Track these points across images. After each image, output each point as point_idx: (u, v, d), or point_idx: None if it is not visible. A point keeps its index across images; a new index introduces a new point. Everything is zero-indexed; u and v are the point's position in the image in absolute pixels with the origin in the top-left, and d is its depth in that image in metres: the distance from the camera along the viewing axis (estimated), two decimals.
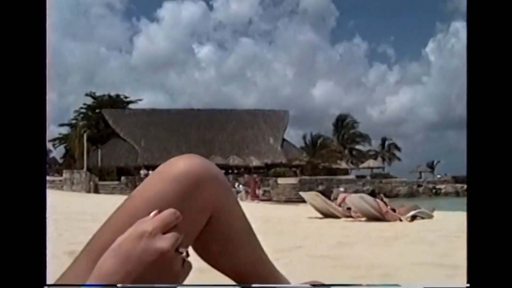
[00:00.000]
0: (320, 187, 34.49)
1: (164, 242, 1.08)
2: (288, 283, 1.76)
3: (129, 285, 1.27)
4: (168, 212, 1.15)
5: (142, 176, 48.23)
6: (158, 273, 1.06)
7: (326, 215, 15.59)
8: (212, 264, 1.71)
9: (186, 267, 1.13)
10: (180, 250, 1.11)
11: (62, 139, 73.15)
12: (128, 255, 1.07)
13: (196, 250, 1.68)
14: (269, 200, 38.61)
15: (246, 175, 47.78)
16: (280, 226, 11.56)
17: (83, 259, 1.50)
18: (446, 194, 49.81)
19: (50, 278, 1.66)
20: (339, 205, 16.08)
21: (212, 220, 1.57)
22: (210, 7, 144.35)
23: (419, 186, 52.15)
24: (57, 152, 77.65)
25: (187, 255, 1.13)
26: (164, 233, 1.12)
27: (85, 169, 47.10)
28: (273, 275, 1.73)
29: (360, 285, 1.27)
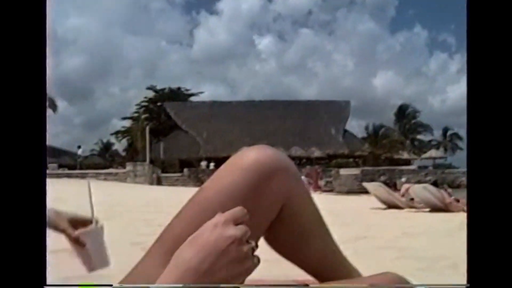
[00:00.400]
0: (382, 178, 34.10)
1: (235, 230, 1.12)
2: (359, 273, 1.77)
3: (130, 285, 1.31)
4: (238, 208, 1.18)
5: (203, 168, 48.36)
6: (230, 261, 1.09)
7: (389, 205, 15.48)
8: (284, 255, 1.72)
9: (255, 258, 1.16)
10: (250, 241, 1.14)
11: (125, 132, 73.82)
12: (204, 243, 1.11)
13: (268, 241, 1.70)
14: (331, 191, 38.42)
15: (308, 166, 47.54)
16: (343, 217, 11.52)
17: (156, 251, 1.54)
18: None
19: (118, 270, 1.70)
20: (402, 196, 15.94)
21: (283, 211, 1.59)
22: None
23: None
24: (120, 145, 78.58)
25: (256, 246, 1.16)
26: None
27: (147, 161, 47.37)
28: (344, 266, 1.74)
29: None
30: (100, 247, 1.85)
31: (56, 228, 1.79)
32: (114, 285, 1.31)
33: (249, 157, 1.54)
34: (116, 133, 77.18)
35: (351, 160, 55.76)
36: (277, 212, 1.58)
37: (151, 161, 48.43)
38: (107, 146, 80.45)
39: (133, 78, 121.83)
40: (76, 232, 1.80)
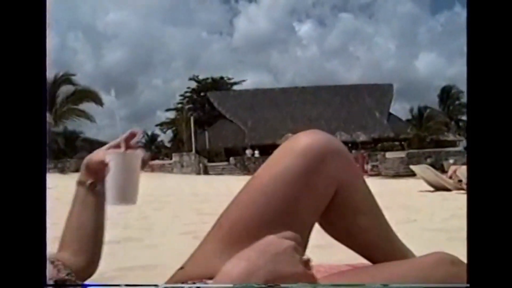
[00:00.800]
0: (428, 160, 33.67)
1: (287, 240, 1.17)
2: (413, 255, 1.77)
3: (131, 284, 1.34)
4: (288, 231, 1.25)
5: (248, 156, 48.37)
6: (283, 264, 1.14)
7: (437, 188, 15.35)
8: (338, 239, 1.74)
9: (307, 272, 1.20)
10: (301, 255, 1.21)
11: (169, 123, 74.26)
12: (262, 248, 1.20)
13: (322, 225, 1.72)
14: (378, 175, 38.12)
15: (353, 151, 47.27)
16: (392, 200, 11.47)
17: (213, 237, 1.57)
18: None
19: (170, 259, 1.72)
20: (450, 178, 15.79)
21: (337, 194, 1.60)
22: None
23: None
24: (165, 136, 79.22)
25: (309, 261, 1.21)
26: None
27: (193, 151, 47.51)
28: (398, 248, 1.74)
29: None
30: (126, 176, 1.63)
31: (89, 166, 1.69)
32: (121, 284, 1.34)
33: (302, 142, 1.57)
34: (161, 124, 77.75)
35: (396, 143, 55.32)
36: (331, 195, 1.60)
37: (197, 151, 48.59)
38: (152, 138, 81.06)
39: (175, 69, 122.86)
40: (102, 154, 1.67)
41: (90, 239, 1.70)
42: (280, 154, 1.60)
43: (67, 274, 1.43)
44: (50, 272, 1.38)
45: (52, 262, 1.43)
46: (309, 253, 1.72)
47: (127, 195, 1.63)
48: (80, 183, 1.72)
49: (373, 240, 1.71)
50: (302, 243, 1.29)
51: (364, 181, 1.71)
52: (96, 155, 1.69)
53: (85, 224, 1.70)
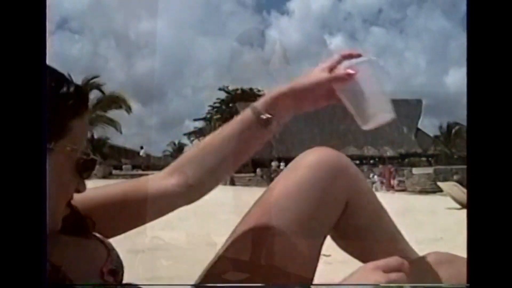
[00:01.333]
0: (455, 177, 33.44)
1: (382, 277, 1.20)
2: None
3: (132, 284, 1.33)
4: (393, 258, 1.26)
5: (273, 168, 48.34)
6: None
7: (464, 205, 15.22)
8: (351, 253, 1.76)
9: None
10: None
11: (197, 133, 74.26)
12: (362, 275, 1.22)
13: (334, 239, 1.74)
14: (404, 190, 37.89)
15: (380, 165, 47.09)
16: (418, 217, 11.42)
17: (227, 249, 1.59)
18: None
19: (194, 270, 1.73)
20: None
21: (347, 208, 1.64)
22: None
23: None
24: (192, 146, 79.26)
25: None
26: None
27: None
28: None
29: None
30: (377, 87, 1.45)
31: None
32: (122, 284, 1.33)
33: (312, 157, 1.62)
34: (189, 133, 77.76)
35: (423, 159, 55.01)
36: (342, 209, 1.62)
37: None
38: (180, 147, 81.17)
39: (206, 79, 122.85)
40: (345, 63, 1.56)
41: (222, 170, 1.61)
42: (291, 169, 1.65)
43: (117, 266, 1.36)
44: (103, 261, 1.33)
45: (109, 251, 1.38)
46: (330, 268, 1.73)
47: (390, 108, 1.44)
48: (254, 110, 1.59)
49: (384, 254, 1.72)
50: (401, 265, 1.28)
51: (374, 197, 1.73)
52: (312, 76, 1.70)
53: (229, 152, 1.56)
